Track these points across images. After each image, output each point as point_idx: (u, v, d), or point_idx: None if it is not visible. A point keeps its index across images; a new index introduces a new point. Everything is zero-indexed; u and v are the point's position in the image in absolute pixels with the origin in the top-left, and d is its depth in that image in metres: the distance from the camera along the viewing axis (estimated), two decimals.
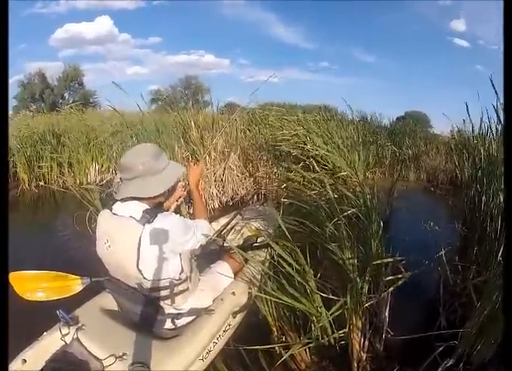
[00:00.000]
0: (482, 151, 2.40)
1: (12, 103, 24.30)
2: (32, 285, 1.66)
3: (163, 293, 1.48)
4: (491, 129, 2.51)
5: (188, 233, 1.49)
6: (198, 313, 1.63)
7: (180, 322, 1.58)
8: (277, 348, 1.74)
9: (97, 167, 6.49)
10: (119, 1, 46.74)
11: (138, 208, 1.43)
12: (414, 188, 6.47)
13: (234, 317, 1.77)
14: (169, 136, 4.37)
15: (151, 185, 1.44)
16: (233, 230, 2.49)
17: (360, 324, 1.73)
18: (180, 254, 1.49)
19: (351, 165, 4.34)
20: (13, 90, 24.80)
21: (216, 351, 1.65)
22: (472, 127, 3.11)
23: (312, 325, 1.72)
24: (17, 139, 6.40)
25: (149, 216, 1.38)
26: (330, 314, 1.67)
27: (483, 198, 2.26)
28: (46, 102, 23.71)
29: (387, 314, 1.84)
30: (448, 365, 1.57)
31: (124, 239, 1.40)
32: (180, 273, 1.51)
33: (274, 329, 1.84)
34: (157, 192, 1.47)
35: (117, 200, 1.50)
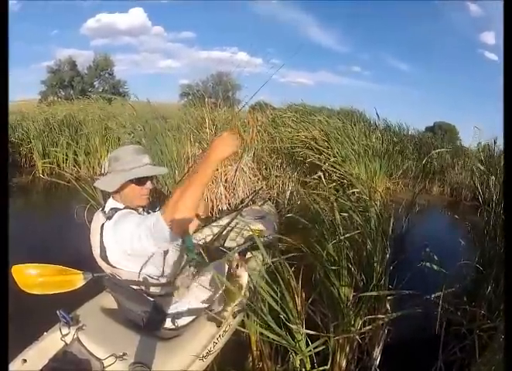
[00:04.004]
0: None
1: (41, 88, 24.88)
2: (34, 279, 1.67)
3: (138, 287, 1.49)
4: None
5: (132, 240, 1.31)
6: (198, 313, 1.63)
7: (180, 322, 1.57)
8: None
9: None
10: None
11: (110, 204, 1.49)
12: (436, 204, 6.16)
13: (234, 317, 1.71)
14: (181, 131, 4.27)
15: (109, 181, 1.46)
16: (233, 231, 2.53)
17: (343, 362, 1.58)
18: (165, 257, 1.50)
19: (371, 175, 4.13)
20: (42, 75, 25.46)
21: (217, 351, 1.62)
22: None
23: (291, 356, 1.57)
24: (36, 125, 6.44)
25: (112, 213, 1.41)
26: (310, 350, 1.52)
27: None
28: (75, 89, 23.99)
29: (378, 353, 1.66)
30: None
31: (94, 231, 1.44)
32: (159, 276, 1.52)
33: (254, 351, 1.74)
34: (108, 189, 1.47)
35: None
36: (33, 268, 1.68)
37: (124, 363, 1.32)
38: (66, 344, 1.44)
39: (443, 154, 7.55)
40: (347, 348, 1.58)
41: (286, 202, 4.21)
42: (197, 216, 1.75)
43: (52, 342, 1.45)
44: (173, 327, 1.56)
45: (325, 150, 3.99)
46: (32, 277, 1.66)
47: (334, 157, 3.88)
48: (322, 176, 2.79)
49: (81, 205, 3.12)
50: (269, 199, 4.13)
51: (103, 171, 1.52)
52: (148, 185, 1.49)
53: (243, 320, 1.65)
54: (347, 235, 1.72)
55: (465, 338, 1.78)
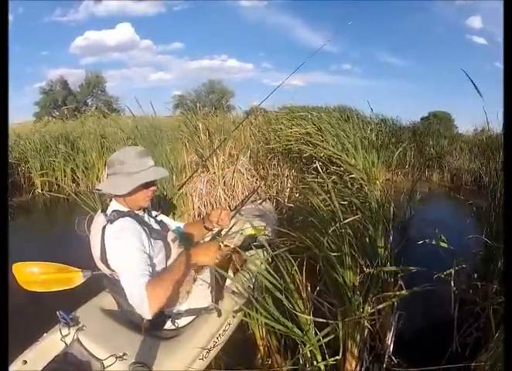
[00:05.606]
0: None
1: (34, 109, 25.25)
2: (34, 276, 1.71)
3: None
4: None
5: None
6: (198, 313, 1.62)
7: (180, 322, 1.59)
8: None
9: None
10: (139, 7, 47.46)
11: (113, 206, 1.48)
12: (437, 191, 6.15)
13: (234, 316, 1.73)
14: (177, 140, 4.27)
15: (118, 185, 1.43)
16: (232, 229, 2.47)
17: (355, 350, 1.54)
18: (166, 264, 1.50)
19: (369, 166, 4.11)
20: (35, 96, 25.75)
21: (217, 350, 1.61)
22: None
23: (300, 349, 1.54)
24: (32, 144, 6.48)
25: (114, 217, 1.40)
26: (318, 340, 1.48)
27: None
28: (68, 108, 24.24)
29: (391, 338, 1.63)
30: None
31: (94, 233, 1.45)
32: None
33: (261, 349, 1.74)
34: (120, 192, 1.44)
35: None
36: (33, 266, 1.73)
37: (125, 363, 1.32)
38: (67, 345, 1.44)
39: (440, 141, 7.57)
40: (358, 337, 1.55)
41: (286, 200, 4.20)
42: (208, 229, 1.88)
43: (52, 343, 1.45)
44: (173, 327, 1.57)
45: (320, 143, 3.97)
46: (32, 274, 1.71)
47: (329, 150, 3.86)
48: (320, 168, 2.76)
49: (82, 218, 3.11)
50: (269, 199, 4.13)
51: (108, 173, 1.50)
52: (154, 187, 1.52)
53: (246, 314, 1.64)
54: (347, 220, 1.70)
55: (479, 316, 1.76)
